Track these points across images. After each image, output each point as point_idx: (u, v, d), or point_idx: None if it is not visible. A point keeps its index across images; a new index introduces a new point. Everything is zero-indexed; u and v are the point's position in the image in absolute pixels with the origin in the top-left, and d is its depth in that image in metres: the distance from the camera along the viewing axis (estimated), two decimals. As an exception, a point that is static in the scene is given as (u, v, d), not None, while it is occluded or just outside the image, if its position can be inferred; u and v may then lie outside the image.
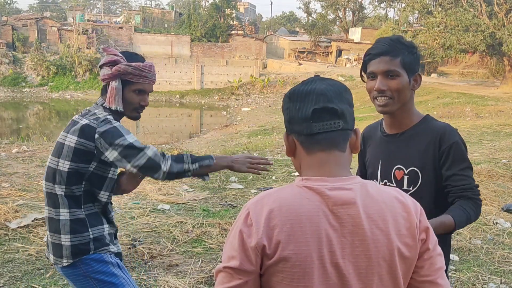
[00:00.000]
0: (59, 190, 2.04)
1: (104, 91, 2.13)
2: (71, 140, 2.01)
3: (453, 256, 4.15)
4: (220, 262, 1.13)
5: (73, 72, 36.00)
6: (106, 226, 2.13)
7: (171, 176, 2.02)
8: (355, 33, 50.31)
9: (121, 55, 2.10)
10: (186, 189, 6.10)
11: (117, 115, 2.13)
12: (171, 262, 3.96)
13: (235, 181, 6.53)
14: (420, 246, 1.14)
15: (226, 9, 44.49)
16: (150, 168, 1.98)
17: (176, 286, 3.53)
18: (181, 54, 41.35)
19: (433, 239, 1.18)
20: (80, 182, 2.04)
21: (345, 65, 41.60)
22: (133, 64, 2.08)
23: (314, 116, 1.14)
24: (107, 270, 2.08)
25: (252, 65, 37.72)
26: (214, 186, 6.28)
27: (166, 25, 49.15)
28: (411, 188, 1.81)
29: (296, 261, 1.05)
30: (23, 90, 35.07)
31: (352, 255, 1.08)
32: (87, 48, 37.46)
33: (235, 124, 24.45)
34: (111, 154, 1.97)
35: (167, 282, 3.57)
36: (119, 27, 42.21)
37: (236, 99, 33.51)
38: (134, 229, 4.62)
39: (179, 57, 40.46)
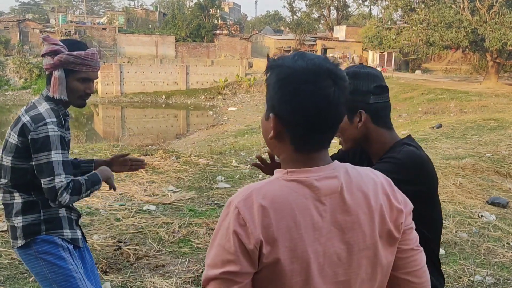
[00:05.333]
0: (5, 182, 2.12)
1: (48, 81, 2.14)
2: (13, 137, 2.08)
3: (440, 250, 4.17)
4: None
5: (56, 74, 35.59)
6: (60, 210, 2.19)
7: (64, 206, 2.09)
8: (340, 31, 50.58)
9: (62, 44, 2.10)
10: (172, 189, 6.05)
11: (63, 104, 2.16)
12: (158, 263, 3.92)
13: (221, 180, 6.50)
14: (401, 221, 1.17)
15: (211, 9, 44.47)
16: (49, 194, 2.01)
17: (163, 287, 3.49)
18: (166, 55, 41.17)
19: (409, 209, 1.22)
20: (24, 174, 2.10)
21: (331, 63, 41.76)
22: (75, 53, 2.08)
23: (318, 128, 1.08)
24: (56, 253, 2.14)
25: (238, 64, 37.71)
26: (201, 186, 6.24)
27: (150, 25, 48.89)
28: None
29: (293, 257, 1.03)
30: (6, 93, 34.58)
31: (342, 242, 1.08)
32: (71, 49, 37.07)
33: (222, 123, 24.43)
34: (33, 161, 2.03)
35: (153, 283, 3.53)
36: (103, 28, 41.88)
37: (223, 99, 33.45)
38: (120, 230, 4.56)
39: (164, 58, 40.29)
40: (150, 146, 11.65)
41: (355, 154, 1.91)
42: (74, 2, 78.01)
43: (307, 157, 1.11)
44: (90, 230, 4.48)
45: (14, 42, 38.17)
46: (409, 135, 1.75)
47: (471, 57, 36.07)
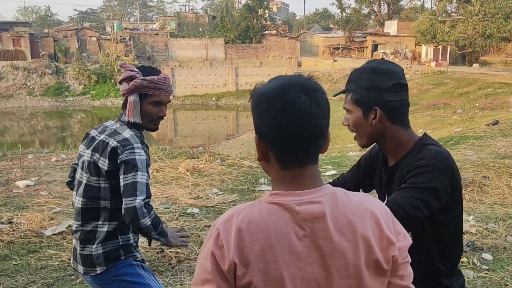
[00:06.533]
0: (106, 205, 2.18)
1: (124, 106, 2.26)
2: (103, 162, 2.14)
3: (487, 255, 3.99)
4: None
5: (113, 80, 37.10)
6: (131, 235, 2.29)
7: (146, 230, 2.09)
8: (391, 26, 49.30)
9: (137, 70, 2.21)
10: (215, 192, 6.15)
11: (137, 127, 2.25)
12: (198, 266, 4.00)
13: (264, 183, 6.53)
14: (393, 255, 1.12)
15: (259, 10, 44.69)
16: (133, 216, 2.05)
17: (201, 290, 3.56)
18: (216, 57, 41.79)
19: (406, 244, 1.15)
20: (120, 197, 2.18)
21: (382, 60, 40.81)
22: (148, 78, 2.19)
23: (296, 141, 1.08)
24: (134, 272, 2.25)
25: (287, 64, 37.69)
26: (243, 189, 6.30)
27: (200, 29, 49.83)
28: None
29: (266, 280, 1.04)
30: (67, 99, 36.40)
31: (322, 268, 1.07)
32: (125, 55, 38.50)
33: (271, 124, 24.43)
34: (121, 182, 2.10)
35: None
36: (155, 34, 43.12)
37: (272, 99, 33.50)
38: (163, 233, 4.70)
39: (214, 60, 40.92)
40: (199, 148, 11.86)
41: (373, 163, 1.87)
42: (128, 10, 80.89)
43: (293, 174, 1.11)
44: (135, 233, 4.64)
45: (73, 50, 40.11)
46: (425, 133, 1.70)
47: (533, 47, 34.06)
